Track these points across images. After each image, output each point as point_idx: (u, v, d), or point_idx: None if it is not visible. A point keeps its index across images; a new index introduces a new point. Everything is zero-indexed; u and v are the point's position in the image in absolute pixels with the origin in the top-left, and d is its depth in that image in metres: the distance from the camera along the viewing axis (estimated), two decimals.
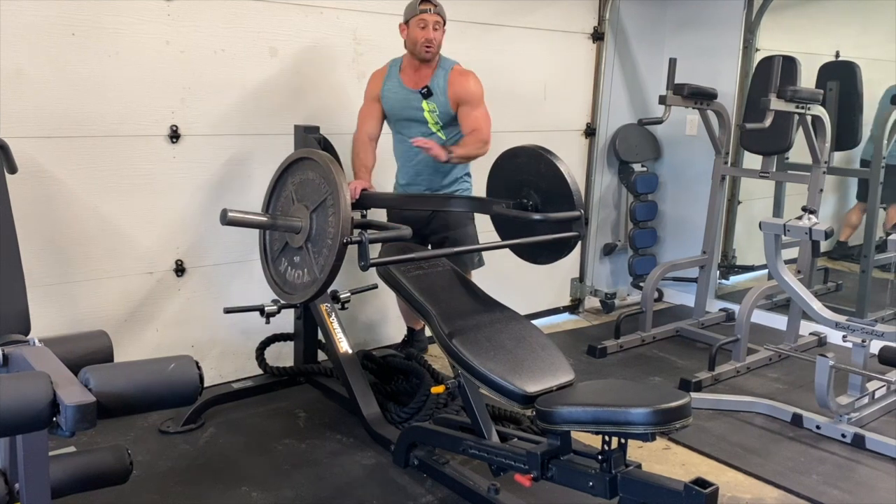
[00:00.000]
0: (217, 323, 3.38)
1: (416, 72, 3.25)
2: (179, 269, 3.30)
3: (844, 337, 3.29)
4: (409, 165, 3.37)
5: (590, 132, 4.72)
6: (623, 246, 5.07)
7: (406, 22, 3.21)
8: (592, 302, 4.91)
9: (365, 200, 3.13)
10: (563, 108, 4.57)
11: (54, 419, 1.31)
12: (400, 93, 3.28)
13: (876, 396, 3.37)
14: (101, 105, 2.99)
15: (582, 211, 2.78)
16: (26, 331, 2.03)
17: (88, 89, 2.95)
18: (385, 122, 3.40)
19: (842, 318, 3.33)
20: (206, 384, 3.18)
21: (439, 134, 3.28)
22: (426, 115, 3.26)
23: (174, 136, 3.18)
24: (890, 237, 3.16)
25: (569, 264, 4.74)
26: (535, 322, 3.40)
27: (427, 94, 3.22)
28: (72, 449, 2.44)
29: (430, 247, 3.41)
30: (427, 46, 3.16)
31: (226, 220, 2.57)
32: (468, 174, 3.46)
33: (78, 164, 2.99)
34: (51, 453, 1.65)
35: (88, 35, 2.92)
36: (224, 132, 3.31)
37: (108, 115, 3.02)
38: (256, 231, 2.95)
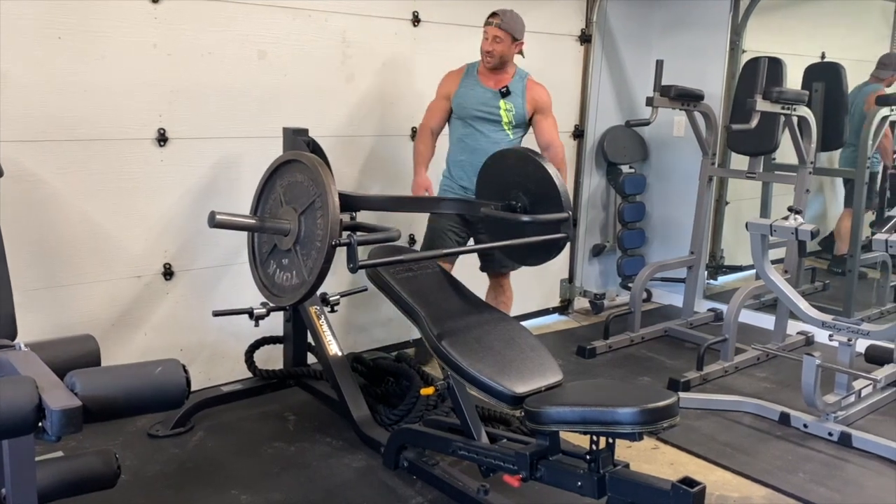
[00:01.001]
0: (206, 326, 3.37)
1: (494, 75, 3.43)
2: (168, 273, 3.29)
3: (831, 336, 3.32)
4: (475, 166, 3.30)
5: (578, 134, 4.74)
6: (612, 247, 5.09)
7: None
8: (582, 303, 4.92)
9: (353, 203, 3.13)
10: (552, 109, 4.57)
11: (40, 424, 1.31)
12: (477, 89, 3.42)
13: (862, 395, 3.40)
14: (88, 108, 2.98)
15: (570, 212, 2.79)
16: (12, 335, 2.02)
17: (75, 93, 2.94)
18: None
19: (828, 318, 3.36)
20: (195, 387, 3.15)
21: (509, 133, 3.44)
22: (502, 112, 3.40)
23: (162, 139, 3.17)
24: (875, 237, 3.19)
25: (558, 265, 4.76)
26: (525, 323, 3.41)
27: (506, 92, 3.39)
28: (59, 454, 2.43)
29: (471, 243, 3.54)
30: (486, 57, 3.38)
31: (214, 223, 2.57)
32: None
33: (65, 167, 2.98)
34: (38, 458, 1.65)
35: (75, 38, 2.90)
36: (212, 135, 3.30)
37: (95, 118, 3.01)
38: (245, 234, 2.95)
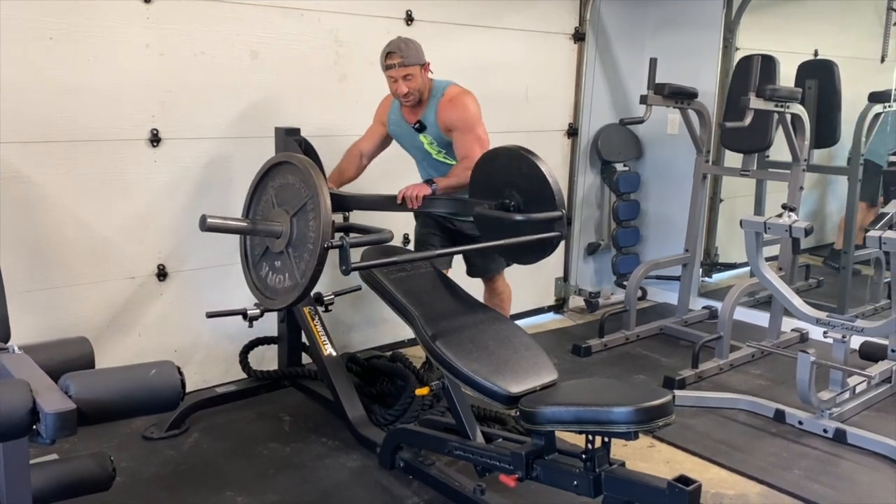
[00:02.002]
0: (200, 327, 3.37)
1: (411, 109, 3.26)
2: (161, 274, 3.28)
3: (825, 333, 3.33)
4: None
5: (572, 132, 4.74)
6: (606, 245, 5.09)
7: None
8: (577, 301, 4.92)
9: (346, 203, 3.12)
10: (545, 108, 4.58)
11: (34, 427, 1.30)
12: (402, 126, 3.32)
13: (857, 391, 3.40)
14: (80, 109, 2.97)
15: (564, 211, 2.79)
16: (6, 338, 2.01)
17: (67, 93, 2.93)
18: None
19: (822, 315, 3.37)
20: (189, 389, 3.14)
21: (443, 160, 3.30)
22: (427, 147, 3.29)
23: (154, 139, 3.16)
24: (868, 233, 3.20)
25: (553, 264, 4.76)
26: (520, 322, 3.42)
27: (420, 128, 3.25)
28: (54, 456, 2.42)
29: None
30: (404, 100, 3.18)
31: (205, 227, 2.56)
32: None
33: (57, 169, 2.96)
34: (32, 461, 1.64)
35: (66, 39, 2.89)
36: (205, 136, 3.30)
37: (87, 119, 2.99)
38: (238, 236, 2.95)
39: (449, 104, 3.20)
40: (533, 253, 2.95)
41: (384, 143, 3.43)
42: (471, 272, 3.56)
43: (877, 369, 3.47)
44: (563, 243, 2.94)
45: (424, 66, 3.18)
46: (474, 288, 3.28)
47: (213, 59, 3.26)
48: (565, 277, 4.89)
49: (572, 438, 2.47)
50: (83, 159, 3.01)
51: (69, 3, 2.88)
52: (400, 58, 3.10)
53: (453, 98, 3.22)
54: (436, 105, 3.21)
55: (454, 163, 3.23)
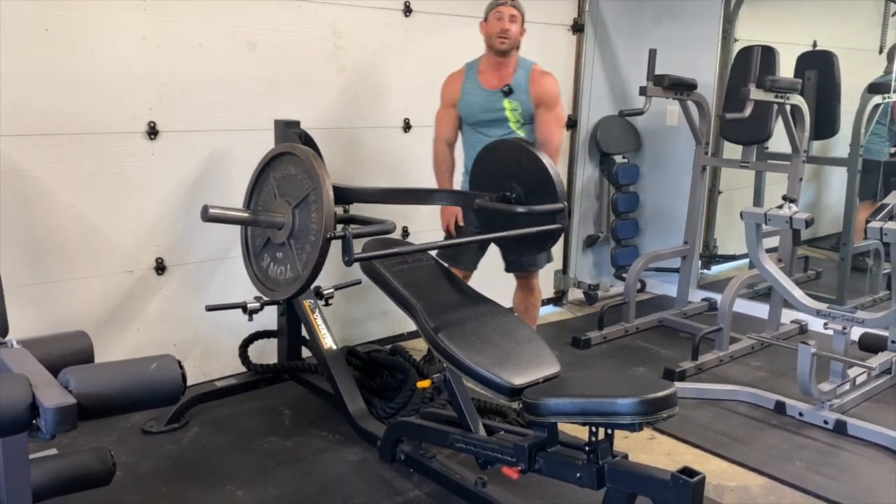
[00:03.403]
0: (199, 321, 3.34)
1: (497, 71, 3.24)
2: (160, 268, 3.26)
3: (825, 324, 3.32)
4: None
5: (571, 124, 4.72)
6: (605, 237, 5.08)
7: (485, 18, 3.25)
8: (576, 294, 4.92)
9: (347, 195, 3.10)
10: None
11: (34, 422, 1.29)
12: (480, 95, 3.26)
13: (857, 383, 3.41)
14: (76, 102, 2.94)
15: (565, 203, 2.78)
16: (4, 332, 1.99)
17: (63, 86, 2.90)
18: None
19: (822, 306, 3.36)
20: (189, 383, 3.13)
21: (520, 132, 3.27)
22: (508, 113, 3.24)
23: (152, 132, 3.14)
24: (869, 224, 3.19)
25: (553, 256, 4.74)
26: None
27: (508, 91, 3.21)
28: (53, 451, 2.41)
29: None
30: (501, 37, 3.17)
31: (207, 217, 2.55)
32: None
33: (54, 162, 2.94)
34: (32, 456, 1.63)
35: (62, 31, 2.87)
36: (203, 128, 3.27)
37: (84, 111, 2.97)
38: (238, 227, 2.93)
39: (542, 76, 3.29)
40: (534, 245, 2.94)
41: (457, 126, 3.37)
42: (512, 267, 3.46)
43: (877, 360, 3.47)
44: (562, 235, 2.93)
45: (523, 28, 3.26)
46: (475, 280, 3.26)
47: (210, 51, 3.23)
48: (564, 270, 4.88)
49: (574, 431, 2.47)
50: (80, 152, 2.99)
51: None
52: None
53: (544, 72, 3.31)
54: (527, 74, 3.26)
55: (523, 134, 3.26)
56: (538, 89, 3.25)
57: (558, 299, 4.90)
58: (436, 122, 3.40)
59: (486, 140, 3.22)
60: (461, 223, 3.34)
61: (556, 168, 2.87)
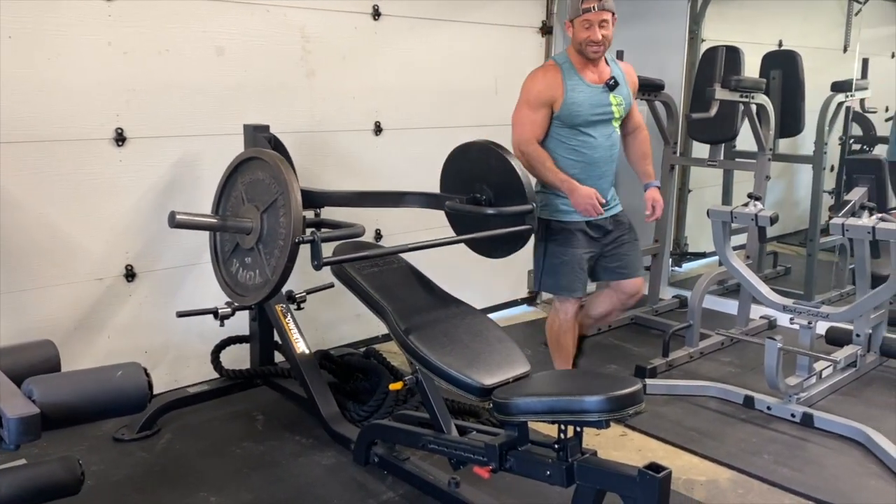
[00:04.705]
0: (170, 327, 3.33)
1: (595, 67, 3.03)
2: (130, 275, 3.24)
3: (792, 319, 3.39)
4: (593, 178, 3.07)
5: None
6: None
7: (570, 20, 3.00)
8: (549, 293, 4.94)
9: (316, 199, 3.11)
10: (514, 102, 4.53)
11: None
12: (587, 91, 3.01)
13: (823, 376, 3.47)
14: (42, 109, 2.92)
15: (534, 204, 2.80)
16: None
17: (28, 93, 2.88)
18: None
19: (788, 302, 3.42)
20: (161, 389, 3.11)
21: (617, 130, 3.14)
22: (614, 108, 3.05)
23: (120, 138, 3.12)
24: (831, 221, 3.26)
25: (525, 257, 4.73)
26: (493, 315, 3.42)
27: (615, 85, 3.02)
28: (22, 461, 2.38)
29: (598, 260, 3.18)
30: (593, 46, 2.94)
31: (174, 223, 2.54)
32: None
33: (20, 170, 2.91)
34: None
35: (26, 38, 2.84)
36: (171, 133, 3.26)
37: (49, 119, 2.94)
38: (207, 233, 2.92)
39: (628, 65, 3.20)
40: (505, 246, 2.96)
41: (547, 126, 3.08)
42: (608, 276, 3.24)
43: (842, 354, 3.55)
44: (534, 236, 2.95)
45: (614, 18, 3.00)
46: (448, 281, 3.28)
47: (178, 57, 3.22)
48: None
49: (546, 430, 2.50)
50: (47, 159, 2.96)
51: (28, 2, 2.83)
52: (600, 1, 2.91)
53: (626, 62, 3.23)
54: (618, 66, 3.12)
55: (619, 133, 3.15)
56: (632, 78, 3.18)
57: (532, 299, 4.93)
58: (519, 124, 3.09)
59: (591, 142, 3.03)
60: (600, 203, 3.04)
61: (525, 170, 2.90)
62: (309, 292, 3.32)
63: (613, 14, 2.98)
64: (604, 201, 3.06)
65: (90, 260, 3.13)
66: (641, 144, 3.28)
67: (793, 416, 3.24)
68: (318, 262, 2.34)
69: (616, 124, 3.12)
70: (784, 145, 5.05)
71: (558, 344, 3.26)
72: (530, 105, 3.07)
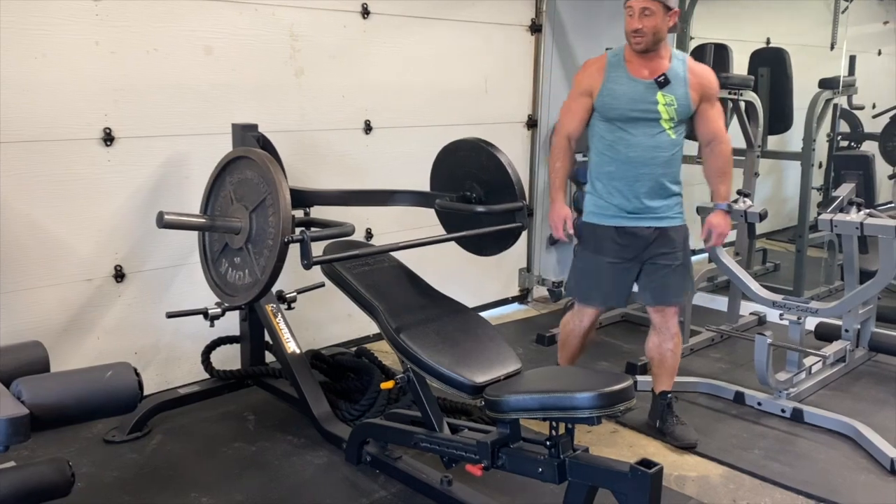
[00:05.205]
0: (160, 328, 3.32)
1: (648, 62, 2.84)
2: (119, 275, 3.22)
3: (781, 315, 3.40)
4: (628, 179, 2.90)
5: (531, 124, 4.77)
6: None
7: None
8: (540, 291, 4.96)
9: (306, 198, 3.10)
10: (504, 100, 4.60)
11: None
12: (628, 84, 2.84)
13: (812, 371, 3.49)
14: (28, 109, 2.90)
15: (524, 201, 2.81)
16: None
17: (14, 93, 2.85)
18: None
19: (778, 298, 3.44)
20: (151, 390, 3.10)
21: (670, 133, 2.87)
22: (661, 108, 2.82)
23: (108, 138, 3.10)
24: (820, 216, 3.28)
25: (516, 255, 4.79)
26: (484, 313, 3.42)
27: (664, 82, 2.81)
28: (11, 463, 2.37)
29: (641, 267, 2.99)
30: (634, 38, 2.79)
31: (162, 223, 2.53)
32: (681, 192, 3.03)
33: (6, 170, 2.89)
34: None
35: (12, 36, 2.82)
36: (160, 133, 3.24)
37: (36, 118, 2.92)
38: (196, 233, 2.91)
39: (703, 67, 2.95)
40: (495, 244, 2.97)
41: (586, 121, 2.98)
42: (646, 300, 3.07)
43: (831, 349, 3.57)
44: (525, 234, 2.95)
45: (671, 13, 2.79)
46: (438, 280, 3.28)
47: (166, 56, 3.20)
48: (528, 268, 4.92)
49: (538, 427, 2.50)
50: (34, 159, 2.94)
51: (14, 1, 2.80)
52: None
53: (703, 65, 3.00)
54: (684, 65, 2.88)
55: (674, 138, 2.88)
56: (701, 79, 2.88)
57: (523, 297, 4.94)
58: (561, 112, 3.05)
59: (629, 140, 2.86)
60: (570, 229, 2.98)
61: (515, 167, 2.91)
62: (299, 292, 3.31)
63: (665, 6, 2.75)
64: (571, 232, 2.96)
65: (78, 260, 3.11)
66: (717, 159, 3.01)
67: (783, 411, 3.25)
68: (307, 262, 2.34)
69: (667, 126, 2.86)
70: (772, 142, 5.08)
71: (565, 343, 3.24)
72: (573, 93, 3.00)
